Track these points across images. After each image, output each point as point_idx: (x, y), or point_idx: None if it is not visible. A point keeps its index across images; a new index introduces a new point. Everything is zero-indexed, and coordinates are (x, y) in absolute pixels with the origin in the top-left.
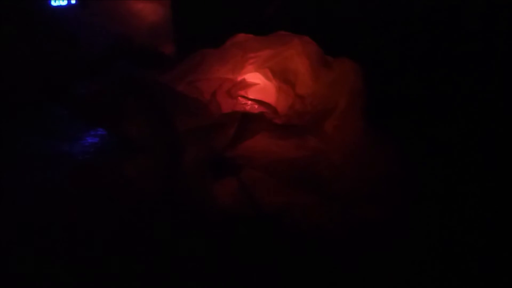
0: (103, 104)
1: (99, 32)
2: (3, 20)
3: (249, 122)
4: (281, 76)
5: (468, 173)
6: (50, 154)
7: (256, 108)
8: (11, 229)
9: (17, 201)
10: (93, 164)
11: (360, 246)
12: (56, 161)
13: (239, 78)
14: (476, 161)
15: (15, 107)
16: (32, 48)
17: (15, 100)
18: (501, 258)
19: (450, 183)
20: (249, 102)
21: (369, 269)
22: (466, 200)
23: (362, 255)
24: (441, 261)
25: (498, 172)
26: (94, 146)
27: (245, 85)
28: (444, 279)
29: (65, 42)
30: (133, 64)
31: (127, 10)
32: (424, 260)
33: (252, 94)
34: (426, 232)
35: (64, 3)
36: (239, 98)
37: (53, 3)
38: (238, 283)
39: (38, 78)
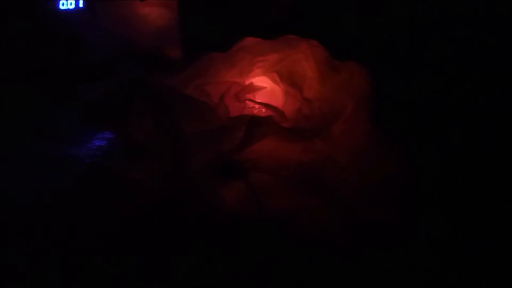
0: (110, 107)
1: (106, 36)
2: (11, 24)
3: (257, 125)
4: (289, 80)
5: (475, 176)
6: (57, 157)
7: (263, 111)
8: (18, 230)
9: (24, 204)
10: (100, 167)
11: (367, 249)
12: (63, 164)
13: (247, 82)
14: (483, 164)
15: (22, 111)
16: (40, 51)
17: (22, 104)
18: (505, 260)
19: (457, 186)
20: (257, 105)
21: (376, 271)
22: (473, 203)
23: (369, 258)
24: (448, 263)
25: (503, 174)
26: (101, 149)
27: (253, 88)
28: (450, 281)
29: (73, 45)
30: (140, 68)
31: (135, 14)
32: (432, 262)
33: (259, 97)
34: (433, 235)
35: (72, 6)
36: (247, 101)
37: (61, 7)
38: (244, 286)
39: (45, 81)
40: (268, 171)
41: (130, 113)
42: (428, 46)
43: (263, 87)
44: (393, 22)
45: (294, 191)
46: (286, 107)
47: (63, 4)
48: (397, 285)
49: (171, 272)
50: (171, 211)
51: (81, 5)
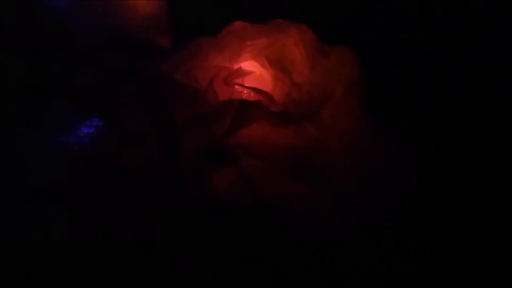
0: (99, 95)
1: (94, 23)
2: None
3: (246, 110)
4: (278, 64)
5: (466, 163)
6: (46, 145)
7: (252, 96)
8: (10, 219)
9: (14, 194)
10: (90, 154)
11: (357, 235)
12: (52, 152)
13: (236, 66)
14: (474, 152)
15: (10, 100)
16: (26, 40)
17: (10, 93)
18: (498, 250)
19: (448, 173)
20: (246, 90)
21: (365, 258)
22: (463, 190)
23: (359, 244)
24: (437, 251)
25: (496, 162)
26: (91, 136)
27: (242, 73)
28: (440, 270)
29: (60, 33)
30: (128, 55)
31: (123, 1)
32: (421, 250)
33: (248, 82)
34: (422, 222)
35: None
36: (236, 86)
37: None
38: (235, 271)
39: (32, 70)
40: (258, 156)
41: (119, 99)
42: (421, 31)
43: (252, 72)
44: (384, 6)
45: (285, 176)
46: (275, 92)
47: None
48: (389, 273)
49: (162, 258)
50: (162, 197)
51: None
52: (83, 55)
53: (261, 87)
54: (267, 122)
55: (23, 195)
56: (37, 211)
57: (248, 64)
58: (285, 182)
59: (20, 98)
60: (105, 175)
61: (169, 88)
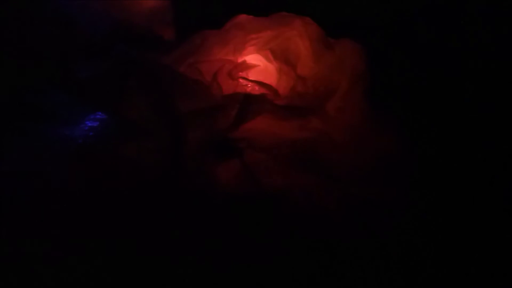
0: (104, 88)
1: (98, 16)
2: (3, 4)
3: (251, 103)
4: (282, 57)
5: (468, 155)
6: (51, 138)
7: (257, 89)
8: (11, 211)
9: (17, 186)
10: (94, 147)
11: (359, 226)
12: (56, 145)
13: (240, 60)
14: (476, 143)
15: (14, 92)
16: (31, 33)
17: (14, 85)
18: (496, 236)
19: (450, 164)
20: (250, 83)
21: (368, 247)
22: (465, 181)
23: (361, 234)
24: (438, 240)
25: (497, 154)
26: (95, 129)
27: (246, 66)
28: (441, 258)
29: (64, 26)
30: (133, 48)
31: None
32: (422, 239)
33: (253, 75)
34: (425, 212)
35: None
36: (240, 80)
37: None
38: (240, 261)
39: (37, 63)
40: (263, 149)
41: (124, 92)
42: (423, 23)
43: (256, 65)
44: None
45: (290, 169)
46: (280, 85)
47: None
48: (390, 261)
49: (166, 247)
50: (167, 189)
51: None
52: (88, 48)
53: (265, 81)
54: (272, 116)
55: (26, 188)
56: (40, 203)
57: (253, 58)
58: (289, 175)
59: (24, 91)
60: (109, 168)
61: (173, 82)
